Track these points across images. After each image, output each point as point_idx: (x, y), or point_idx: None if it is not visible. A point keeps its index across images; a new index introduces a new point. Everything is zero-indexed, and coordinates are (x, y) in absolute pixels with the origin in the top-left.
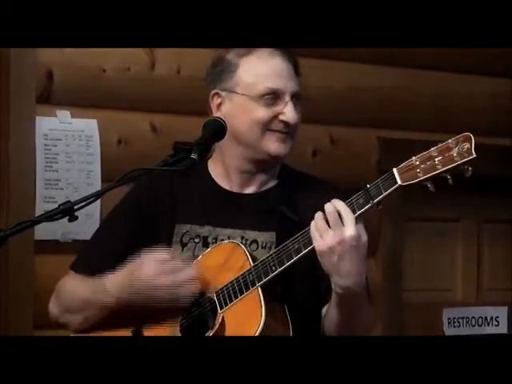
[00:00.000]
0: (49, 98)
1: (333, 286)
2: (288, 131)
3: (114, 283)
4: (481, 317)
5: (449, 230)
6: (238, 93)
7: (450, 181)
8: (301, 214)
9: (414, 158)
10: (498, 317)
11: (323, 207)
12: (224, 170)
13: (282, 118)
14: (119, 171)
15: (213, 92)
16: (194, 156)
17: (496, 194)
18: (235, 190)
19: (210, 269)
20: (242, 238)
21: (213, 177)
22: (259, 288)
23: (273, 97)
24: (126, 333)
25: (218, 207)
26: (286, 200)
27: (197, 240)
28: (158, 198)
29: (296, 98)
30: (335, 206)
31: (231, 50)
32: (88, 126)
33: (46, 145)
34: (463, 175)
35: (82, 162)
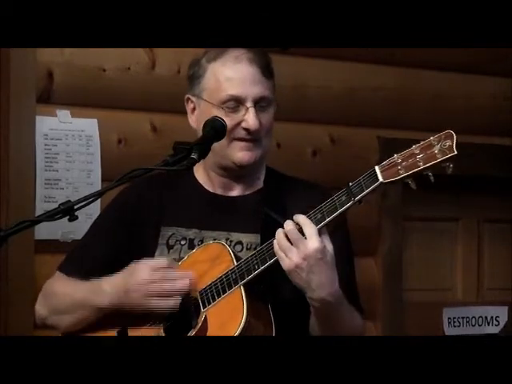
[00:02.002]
0: (49, 98)
1: (308, 300)
2: (252, 138)
3: (111, 285)
4: (481, 316)
5: (449, 230)
6: (204, 99)
7: (432, 178)
8: (286, 216)
9: (395, 155)
10: (498, 316)
11: (308, 208)
12: (207, 175)
13: (243, 125)
14: (119, 171)
15: (186, 96)
16: (194, 156)
17: (496, 193)
18: (219, 192)
19: (194, 269)
20: (227, 239)
21: (198, 181)
22: (242, 287)
23: (234, 104)
24: (111, 332)
25: (204, 210)
26: (270, 202)
27: (183, 242)
28: (144, 201)
29: (262, 102)
30: (296, 220)
31: (208, 52)
32: (88, 125)
33: (46, 144)
34: (445, 172)
35: (82, 161)
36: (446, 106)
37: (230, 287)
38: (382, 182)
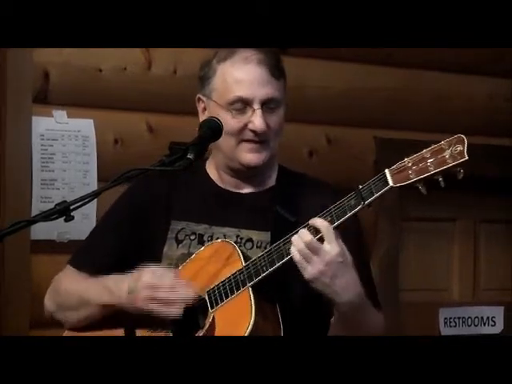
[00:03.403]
0: (45, 98)
1: (336, 307)
2: (260, 140)
3: (115, 284)
4: (477, 317)
5: (445, 230)
6: (213, 100)
7: (442, 183)
8: (298, 215)
9: (406, 159)
10: (494, 317)
11: (321, 208)
12: (218, 173)
13: (250, 126)
14: (115, 171)
15: (197, 96)
16: (190, 156)
17: (492, 193)
18: (231, 189)
19: (202, 268)
20: (237, 236)
21: (210, 176)
22: (250, 288)
23: (241, 105)
24: (119, 332)
25: (215, 205)
26: (282, 200)
27: (192, 237)
28: (154, 195)
29: (270, 104)
30: (313, 223)
31: (218, 52)
32: (84, 125)
33: (42, 145)
34: (455, 177)
35: (78, 161)
36: (444, 106)
37: (238, 288)
38: (392, 186)
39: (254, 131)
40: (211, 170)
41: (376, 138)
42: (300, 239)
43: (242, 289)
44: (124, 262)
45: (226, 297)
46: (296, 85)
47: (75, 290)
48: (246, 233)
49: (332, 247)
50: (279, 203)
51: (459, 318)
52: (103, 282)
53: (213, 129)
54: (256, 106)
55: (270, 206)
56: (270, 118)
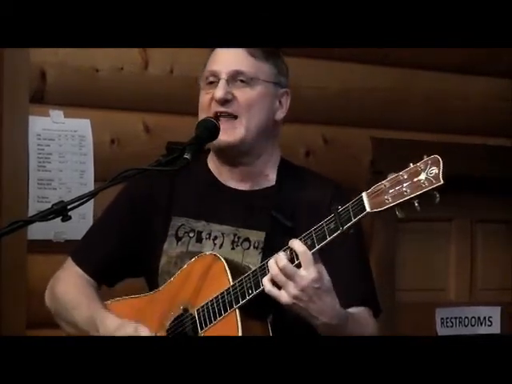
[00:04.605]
0: (42, 98)
1: (314, 326)
2: (225, 112)
3: (105, 330)
4: (474, 317)
5: (442, 230)
6: (200, 86)
7: (418, 207)
8: (294, 218)
9: (383, 181)
10: (490, 317)
11: (322, 208)
12: (216, 165)
13: (213, 96)
14: (112, 171)
15: None
16: (187, 156)
17: (489, 193)
18: (231, 185)
19: (191, 282)
20: (235, 235)
21: (210, 169)
22: (237, 309)
23: (213, 79)
24: None
25: (214, 201)
26: (281, 202)
27: (191, 234)
28: (156, 189)
29: (241, 77)
30: (291, 246)
31: None
32: (81, 125)
33: (39, 145)
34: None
35: (75, 161)
36: (440, 106)
37: (226, 310)
38: (368, 212)
39: (215, 100)
40: (211, 162)
41: (373, 138)
42: (275, 264)
43: (229, 310)
44: (125, 260)
45: (215, 318)
46: (292, 85)
47: (71, 308)
48: (243, 232)
49: (309, 273)
50: (276, 205)
51: (456, 318)
52: (95, 321)
53: (209, 129)
54: (222, 76)
55: (268, 207)
56: (240, 91)
